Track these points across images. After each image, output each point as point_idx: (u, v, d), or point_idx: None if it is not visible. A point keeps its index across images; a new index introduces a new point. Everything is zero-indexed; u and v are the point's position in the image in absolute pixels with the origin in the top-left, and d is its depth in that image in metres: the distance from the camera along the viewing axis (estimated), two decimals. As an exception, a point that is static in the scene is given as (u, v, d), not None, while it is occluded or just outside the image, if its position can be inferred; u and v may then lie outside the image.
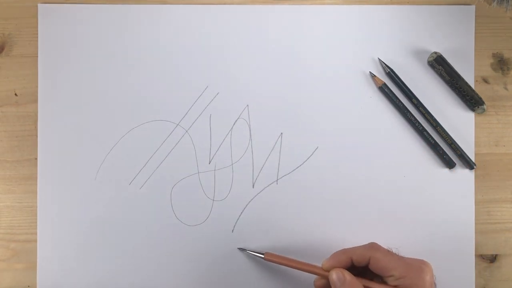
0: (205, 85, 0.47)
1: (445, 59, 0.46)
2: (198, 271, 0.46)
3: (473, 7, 0.47)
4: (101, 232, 0.46)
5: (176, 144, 0.47)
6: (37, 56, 0.46)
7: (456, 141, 0.47)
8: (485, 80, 0.48)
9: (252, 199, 0.47)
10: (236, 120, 0.47)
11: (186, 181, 0.46)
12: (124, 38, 0.46)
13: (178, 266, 0.46)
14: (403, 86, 0.47)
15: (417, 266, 0.39)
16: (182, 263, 0.46)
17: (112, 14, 0.46)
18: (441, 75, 0.47)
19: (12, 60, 0.47)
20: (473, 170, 0.47)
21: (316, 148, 0.47)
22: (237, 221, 0.47)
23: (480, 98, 0.47)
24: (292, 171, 0.47)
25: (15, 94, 0.47)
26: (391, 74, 0.46)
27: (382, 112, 0.47)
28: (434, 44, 0.47)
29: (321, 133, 0.47)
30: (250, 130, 0.47)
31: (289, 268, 0.43)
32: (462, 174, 0.47)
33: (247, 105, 0.47)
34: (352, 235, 0.46)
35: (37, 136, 0.46)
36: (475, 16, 0.47)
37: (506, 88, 0.48)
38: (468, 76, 0.47)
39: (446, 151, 0.47)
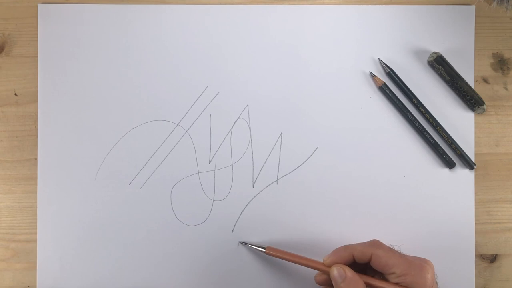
0: (205, 85, 0.47)
1: (445, 59, 0.46)
2: (198, 271, 0.46)
3: (473, 7, 0.47)
4: (101, 232, 0.46)
5: (176, 144, 0.47)
6: (37, 56, 0.46)
7: (456, 141, 0.47)
8: (485, 80, 0.48)
9: (252, 199, 0.47)
10: (236, 120, 0.47)
11: (186, 181, 0.46)
12: (124, 38, 0.46)
13: (178, 266, 0.46)
14: (403, 86, 0.47)
15: (419, 264, 0.39)
16: (182, 263, 0.46)
17: (112, 14, 0.46)
18: (441, 75, 0.47)
19: (12, 60, 0.47)
20: (473, 170, 0.47)
21: (316, 148, 0.47)
22: (237, 221, 0.47)
23: (480, 98, 0.47)
24: (292, 171, 0.47)
25: (15, 94, 0.47)
26: (391, 74, 0.46)
27: (382, 112, 0.47)
28: (434, 44, 0.47)
29: (321, 133, 0.47)
30: (250, 130, 0.47)
31: (289, 264, 0.44)
32: (462, 174, 0.47)
33: (247, 105, 0.47)
34: (352, 235, 0.46)
35: (37, 136, 0.46)
36: (475, 16, 0.47)
37: (506, 88, 0.48)
38: (468, 76, 0.47)
39: (446, 151, 0.47)
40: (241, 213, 0.47)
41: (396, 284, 0.39)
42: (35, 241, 0.46)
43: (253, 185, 0.47)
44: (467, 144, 0.47)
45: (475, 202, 0.47)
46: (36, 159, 0.46)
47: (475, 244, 0.47)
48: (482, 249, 0.48)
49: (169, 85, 0.47)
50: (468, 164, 0.47)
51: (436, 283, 0.39)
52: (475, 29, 0.47)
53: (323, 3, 0.47)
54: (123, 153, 0.46)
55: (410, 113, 0.47)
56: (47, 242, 0.46)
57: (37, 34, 0.46)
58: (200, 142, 0.47)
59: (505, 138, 0.48)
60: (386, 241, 0.41)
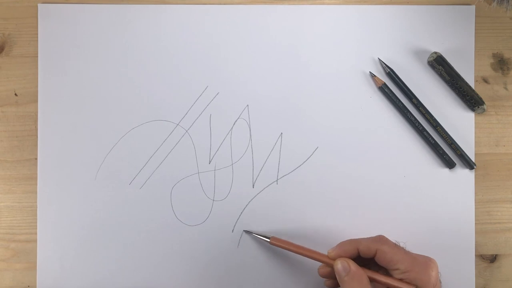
0: (205, 85, 0.47)
1: (445, 59, 0.46)
2: (198, 271, 0.46)
3: (473, 7, 0.47)
4: (101, 232, 0.46)
5: (176, 144, 0.47)
6: (37, 56, 0.46)
7: (456, 141, 0.47)
8: (485, 80, 0.48)
9: (252, 199, 0.47)
10: (236, 120, 0.47)
11: (186, 181, 0.46)
12: (124, 38, 0.46)
13: (178, 266, 0.46)
14: (403, 86, 0.47)
15: (423, 262, 0.39)
16: (182, 263, 0.46)
17: (112, 14, 0.46)
18: (441, 75, 0.47)
19: (12, 60, 0.47)
20: (473, 170, 0.47)
21: (316, 148, 0.47)
22: (237, 221, 0.47)
23: (480, 98, 0.47)
24: (292, 171, 0.47)
25: (15, 94, 0.47)
26: (391, 74, 0.46)
27: (382, 112, 0.47)
28: (434, 44, 0.47)
29: (321, 133, 0.47)
30: (250, 130, 0.47)
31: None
32: (462, 174, 0.47)
33: (247, 105, 0.47)
34: (352, 235, 0.46)
35: (37, 136, 0.46)
36: (475, 16, 0.47)
37: (506, 88, 0.48)
38: (468, 76, 0.47)
39: (446, 151, 0.47)
40: (241, 213, 0.47)
41: (400, 280, 0.39)
42: (35, 241, 0.46)
43: (253, 185, 0.47)
44: (467, 144, 0.47)
45: (475, 202, 0.47)
46: (36, 159, 0.46)
47: (475, 244, 0.47)
48: (482, 249, 0.48)
49: (169, 85, 0.47)
50: (468, 164, 0.47)
51: (440, 281, 0.39)
52: (475, 29, 0.47)
53: (323, 3, 0.47)
54: (123, 153, 0.46)
55: (410, 113, 0.47)
56: (47, 242, 0.46)
57: (37, 34, 0.46)
58: (200, 142, 0.47)
59: (505, 138, 0.48)
60: (386, 241, 0.41)
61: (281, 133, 0.47)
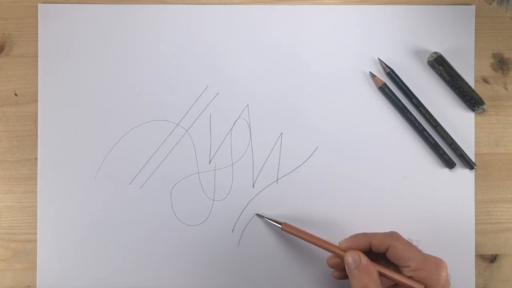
0: (205, 85, 0.47)
1: (445, 59, 0.46)
2: (198, 271, 0.46)
3: (473, 7, 0.47)
4: (101, 232, 0.46)
5: (176, 144, 0.47)
6: (37, 56, 0.46)
7: (456, 141, 0.47)
8: (485, 80, 0.48)
9: (252, 199, 0.47)
10: (236, 120, 0.47)
11: (186, 181, 0.46)
12: (124, 38, 0.46)
13: (178, 266, 0.46)
14: (403, 86, 0.47)
15: (435, 261, 0.39)
16: (182, 263, 0.46)
17: (112, 14, 0.46)
18: (441, 75, 0.47)
19: (12, 60, 0.47)
20: (473, 170, 0.47)
21: (316, 148, 0.47)
22: (237, 221, 0.47)
23: (480, 98, 0.47)
24: (292, 171, 0.47)
25: (15, 94, 0.47)
26: (391, 74, 0.46)
27: (382, 112, 0.47)
28: (434, 44, 0.47)
29: (321, 133, 0.47)
30: (250, 130, 0.47)
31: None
32: (462, 174, 0.47)
33: (247, 105, 0.47)
34: (352, 234, 0.46)
35: (37, 136, 0.46)
36: (475, 16, 0.47)
37: (506, 88, 0.48)
38: (468, 76, 0.47)
39: (446, 151, 0.47)
40: (241, 213, 0.46)
41: (410, 277, 0.39)
42: (35, 241, 0.46)
43: (253, 185, 0.47)
44: (467, 144, 0.47)
45: (475, 202, 0.47)
46: (36, 159, 0.46)
47: (475, 244, 0.47)
48: (482, 249, 0.48)
49: (169, 85, 0.47)
50: (468, 164, 0.47)
51: (449, 283, 0.39)
52: (475, 29, 0.47)
53: (323, 3, 0.47)
54: (123, 153, 0.46)
55: (410, 113, 0.47)
56: (47, 242, 0.46)
57: (37, 34, 0.46)
58: (200, 142, 0.47)
59: (505, 138, 0.48)
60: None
61: (281, 133, 0.47)
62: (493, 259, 0.48)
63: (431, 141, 0.46)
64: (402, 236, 0.41)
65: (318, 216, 0.47)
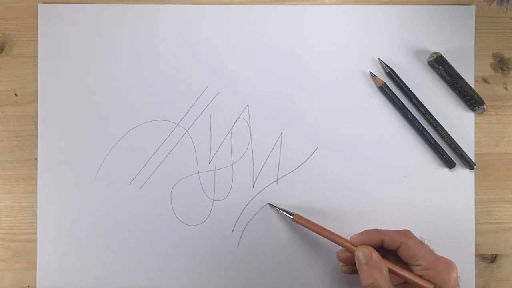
0: (205, 85, 0.47)
1: (445, 59, 0.46)
2: (198, 271, 0.46)
3: (473, 7, 0.47)
4: (101, 232, 0.46)
5: (176, 144, 0.47)
6: (37, 56, 0.46)
7: (456, 141, 0.47)
8: (485, 80, 0.48)
9: (252, 199, 0.47)
10: (236, 120, 0.47)
11: (186, 181, 0.46)
12: (124, 38, 0.46)
13: (178, 266, 0.46)
14: (403, 86, 0.47)
15: (446, 262, 0.39)
16: (182, 263, 0.46)
17: (112, 14, 0.46)
18: (441, 75, 0.47)
19: (12, 60, 0.47)
20: (473, 170, 0.47)
21: (316, 148, 0.47)
22: (237, 221, 0.47)
23: (480, 98, 0.47)
24: (292, 171, 0.47)
25: (15, 94, 0.47)
26: (391, 74, 0.46)
27: (382, 112, 0.47)
28: (434, 44, 0.47)
29: (321, 133, 0.47)
30: (250, 130, 0.47)
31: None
32: (462, 174, 0.47)
33: (247, 105, 0.47)
34: (352, 235, 0.46)
35: (37, 136, 0.46)
36: (475, 16, 0.47)
37: (506, 88, 0.48)
38: (468, 76, 0.47)
39: (446, 151, 0.47)
40: (241, 213, 0.46)
41: (420, 276, 0.39)
42: (35, 241, 0.46)
43: (253, 185, 0.47)
44: (467, 144, 0.47)
45: (475, 202, 0.47)
46: (36, 159, 0.46)
47: (475, 244, 0.47)
48: (482, 249, 0.48)
49: (169, 85, 0.47)
50: (468, 164, 0.47)
51: (458, 285, 0.39)
52: (475, 29, 0.47)
53: (323, 3, 0.47)
54: (123, 153, 0.46)
55: (410, 113, 0.47)
56: (47, 242, 0.46)
57: (37, 34, 0.46)
58: (200, 142, 0.47)
59: (505, 138, 0.48)
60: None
61: (281, 133, 0.47)
62: (493, 259, 0.48)
63: (431, 141, 0.46)
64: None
65: (318, 216, 0.47)
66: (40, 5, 0.46)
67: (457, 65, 0.47)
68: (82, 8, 0.46)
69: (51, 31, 0.46)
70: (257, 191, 0.47)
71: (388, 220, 0.47)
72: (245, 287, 0.46)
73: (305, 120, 0.47)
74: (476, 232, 0.47)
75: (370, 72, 0.47)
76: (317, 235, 0.43)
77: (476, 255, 0.47)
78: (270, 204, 0.46)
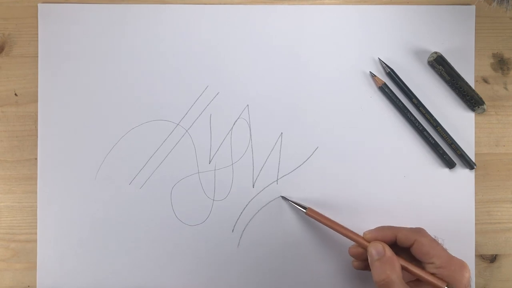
0: (205, 85, 0.47)
1: (445, 59, 0.46)
2: (198, 271, 0.46)
3: (473, 7, 0.47)
4: (101, 232, 0.46)
5: (176, 144, 0.47)
6: (37, 56, 0.46)
7: (456, 141, 0.47)
8: (485, 80, 0.48)
9: (252, 199, 0.47)
10: (236, 120, 0.47)
11: (186, 181, 0.46)
12: (124, 38, 0.46)
13: (178, 265, 0.46)
14: (403, 86, 0.47)
15: (459, 262, 0.39)
16: (182, 263, 0.46)
17: (112, 14, 0.46)
18: (441, 75, 0.47)
19: (12, 60, 0.47)
20: (473, 170, 0.47)
21: (316, 148, 0.47)
22: (237, 221, 0.47)
23: (480, 98, 0.47)
24: (292, 171, 0.47)
25: (15, 94, 0.47)
26: (391, 74, 0.46)
27: (382, 112, 0.47)
28: (434, 44, 0.47)
29: (321, 133, 0.47)
30: (250, 130, 0.47)
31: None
32: (462, 174, 0.47)
33: (247, 105, 0.47)
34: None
35: (37, 136, 0.46)
36: (475, 16, 0.47)
37: (506, 88, 0.48)
38: (468, 76, 0.47)
39: (446, 151, 0.47)
40: (241, 213, 0.46)
41: (433, 274, 0.39)
42: (35, 241, 0.46)
43: (253, 185, 0.47)
44: (467, 144, 0.47)
45: (475, 202, 0.47)
46: (36, 159, 0.46)
47: (475, 244, 0.47)
48: (482, 249, 0.48)
49: (169, 85, 0.47)
50: (468, 164, 0.47)
51: (470, 286, 0.39)
52: (475, 29, 0.47)
53: (323, 3, 0.47)
54: (123, 153, 0.46)
55: (410, 113, 0.47)
56: (47, 242, 0.46)
57: (37, 34, 0.46)
58: (200, 142, 0.47)
59: (505, 138, 0.48)
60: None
61: (281, 133, 0.47)
62: (493, 259, 0.48)
63: (431, 141, 0.46)
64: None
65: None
66: (40, 5, 0.46)
67: (457, 65, 0.47)
68: (82, 8, 0.46)
69: (51, 31, 0.46)
70: (257, 191, 0.47)
71: (388, 220, 0.47)
72: (245, 287, 0.46)
73: (305, 120, 0.47)
74: (476, 232, 0.47)
75: (370, 72, 0.47)
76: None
77: (476, 255, 0.47)
78: (283, 197, 0.46)
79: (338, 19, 0.47)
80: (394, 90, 0.47)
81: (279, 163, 0.47)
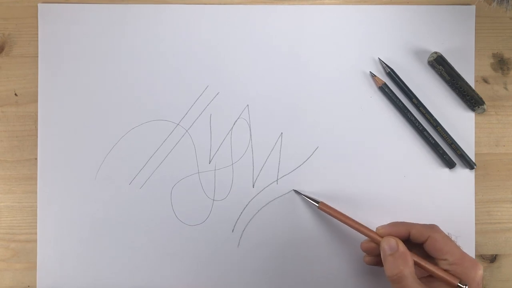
0: (205, 85, 0.47)
1: (445, 59, 0.46)
2: (198, 271, 0.46)
3: (473, 7, 0.47)
4: (101, 232, 0.46)
5: (176, 144, 0.47)
6: (37, 56, 0.46)
7: (456, 141, 0.47)
8: (485, 80, 0.48)
9: (252, 199, 0.47)
10: (236, 120, 0.47)
11: (186, 181, 0.46)
12: (124, 38, 0.46)
13: (178, 265, 0.46)
14: (403, 86, 0.47)
15: (472, 260, 0.39)
16: (182, 263, 0.46)
17: (112, 14, 0.46)
18: (441, 75, 0.47)
19: (12, 60, 0.47)
20: (473, 170, 0.47)
21: (316, 148, 0.47)
22: (237, 221, 0.47)
23: (480, 98, 0.47)
24: (292, 171, 0.47)
25: (15, 94, 0.47)
26: (392, 74, 0.46)
27: (382, 112, 0.47)
28: (434, 44, 0.47)
29: (321, 133, 0.47)
30: (250, 130, 0.47)
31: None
32: (462, 174, 0.47)
33: (247, 105, 0.47)
34: (352, 234, 0.46)
35: (37, 136, 0.46)
36: (475, 16, 0.47)
37: (506, 88, 0.48)
38: (468, 76, 0.47)
39: (446, 151, 0.47)
40: (241, 213, 0.46)
41: (446, 270, 0.39)
42: (35, 241, 0.46)
43: (253, 185, 0.47)
44: (467, 144, 0.47)
45: (475, 202, 0.47)
46: (36, 159, 0.46)
47: (475, 244, 0.47)
48: (482, 249, 0.48)
49: (169, 85, 0.47)
50: (468, 164, 0.47)
51: (482, 285, 0.39)
52: (475, 29, 0.47)
53: (323, 3, 0.47)
54: (123, 153, 0.46)
55: (410, 113, 0.47)
56: (47, 242, 0.46)
57: (37, 34, 0.46)
58: (200, 142, 0.47)
59: (505, 138, 0.48)
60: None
61: (281, 133, 0.47)
62: (493, 259, 0.48)
63: (431, 141, 0.46)
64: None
65: (317, 215, 0.47)
66: (40, 5, 0.46)
67: (457, 65, 0.47)
68: (82, 8, 0.46)
69: (51, 31, 0.46)
70: (257, 191, 0.47)
71: (388, 220, 0.47)
72: (245, 287, 0.46)
73: (305, 120, 0.47)
74: (476, 232, 0.47)
75: (370, 72, 0.47)
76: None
77: (476, 255, 0.47)
78: (295, 191, 0.46)
79: (338, 19, 0.47)
80: (394, 90, 0.47)
81: (279, 163, 0.47)
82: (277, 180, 0.47)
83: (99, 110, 0.46)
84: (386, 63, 0.47)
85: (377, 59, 0.47)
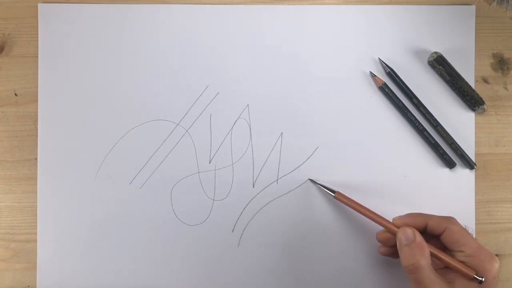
0: (205, 85, 0.47)
1: (445, 59, 0.46)
2: (198, 271, 0.46)
3: (473, 7, 0.47)
4: (101, 232, 0.46)
5: (176, 143, 0.47)
6: (37, 56, 0.46)
7: (456, 141, 0.47)
8: (485, 80, 0.48)
9: (252, 199, 0.47)
10: (236, 120, 0.47)
11: (186, 181, 0.46)
12: (124, 38, 0.46)
13: (178, 265, 0.46)
14: (404, 86, 0.47)
15: (489, 253, 0.39)
16: (182, 263, 0.46)
17: (112, 14, 0.46)
18: (441, 75, 0.47)
19: (12, 60, 0.47)
20: (473, 170, 0.47)
21: (316, 148, 0.47)
22: (237, 221, 0.47)
23: (480, 98, 0.47)
24: (292, 171, 0.47)
25: (15, 94, 0.47)
26: (392, 74, 0.46)
27: (382, 112, 0.47)
28: (434, 44, 0.47)
29: (321, 133, 0.47)
30: (250, 130, 0.47)
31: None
32: (462, 174, 0.47)
33: (247, 105, 0.47)
34: (352, 234, 0.46)
35: (37, 136, 0.46)
36: (475, 16, 0.47)
37: (506, 88, 0.48)
38: (468, 76, 0.47)
39: (446, 151, 0.47)
40: (241, 213, 0.46)
41: (462, 262, 0.39)
42: (35, 241, 0.46)
43: (253, 185, 0.47)
44: (467, 144, 0.47)
45: (475, 202, 0.47)
46: (36, 159, 0.46)
47: (475, 244, 0.47)
48: (482, 249, 0.48)
49: (169, 85, 0.47)
50: (468, 164, 0.47)
51: (497, 278, 0.39)
52: (475, 29, 0.47)
53: (323, 3, 0.47)
54: (123, 153, 0.46)
55: (410, 113, 0.47)
56: (47, 242, 0.46)
57: (37, 34, 0.46)
58: (200, 142, 0.47)
59: (505, 138, 0.48)
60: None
61: (281, 133, 0.47)
62: (493, 259, 0.48)
63: (431, 141, 0.46)
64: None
65: (317, 215, 0.47)
66: (40, 5, 0.46)
67: (457, 65, 0.47)
68: (82, 8, 0.46)
69: (51, 31, 0.46)
70: (257, 191, 0.47)
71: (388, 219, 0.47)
72: (245, 287, 0.46)
73: (305, 120, 0.47)
74: (476, 232, 0.47)
75: (370, 72, 0.47)
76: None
77: (476, 255, 0.47)
78: (311, 180, 0.46)
79: (338, 19, 0.47)
80: (394, 90, 0.47)
81: (279, 163, 0.47)
82: (277, 180, 0.47)
83: (99, 110, 0.46)
84: (386, 63, 0.47)
85: (377, 59, 0.47)
